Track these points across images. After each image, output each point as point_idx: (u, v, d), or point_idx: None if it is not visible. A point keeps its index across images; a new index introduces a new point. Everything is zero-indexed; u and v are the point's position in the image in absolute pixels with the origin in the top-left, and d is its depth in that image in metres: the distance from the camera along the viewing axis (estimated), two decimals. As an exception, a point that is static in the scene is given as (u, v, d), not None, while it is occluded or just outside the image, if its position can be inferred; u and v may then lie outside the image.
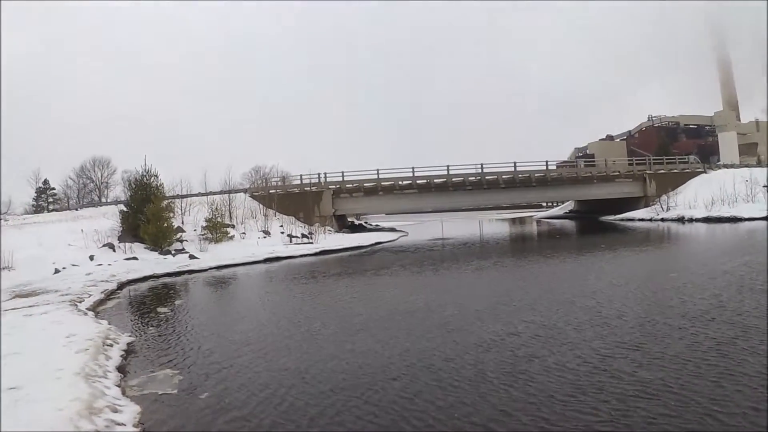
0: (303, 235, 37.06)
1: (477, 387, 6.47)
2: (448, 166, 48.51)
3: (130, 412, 6.10)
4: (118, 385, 7.12)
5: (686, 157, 60.46)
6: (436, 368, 7.29)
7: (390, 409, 5.97)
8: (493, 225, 61.45)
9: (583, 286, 13.51)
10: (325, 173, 47.05)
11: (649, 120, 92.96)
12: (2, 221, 36.44)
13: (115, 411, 6.00)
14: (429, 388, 6.52)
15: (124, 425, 5.70)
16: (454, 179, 49.08)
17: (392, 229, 52.73)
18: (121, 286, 18.63)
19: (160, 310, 13.75)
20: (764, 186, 41.97)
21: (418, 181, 48.41)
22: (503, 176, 49.84)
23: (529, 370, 6.93)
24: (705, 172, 52.84)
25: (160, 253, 27.46)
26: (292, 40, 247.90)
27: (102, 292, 16.22)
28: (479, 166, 49.38)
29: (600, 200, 53.89)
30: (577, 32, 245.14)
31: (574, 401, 5.83)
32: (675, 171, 53.51)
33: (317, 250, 30.46)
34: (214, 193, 43.31)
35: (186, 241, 30.85)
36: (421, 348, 8.35)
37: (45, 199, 69.44)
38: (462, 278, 17.57)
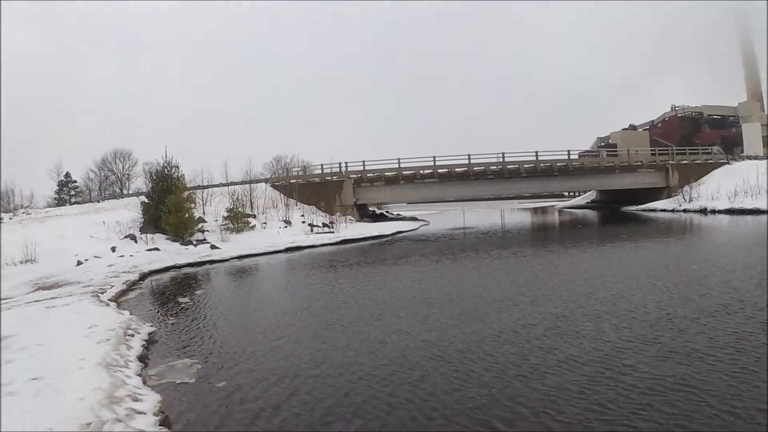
0: (324, 225, 36.93)
1: (491, 378, 6.39)
2: (469, 155, 48.18)
3: (151, 400, 6.09)
4: (139, 375, 7.13)
5: (709, 147, 59.55)
6: (451, 359, 7.20)
7: (404, 400, 5.92)
8: (514, 214, 60.93)
9: (604, 277, 13.27)
10: (346, 162, 46.98)
11: (672, 110, 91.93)
12: (23, 215, 36.59)
13: (136, 400, 5.99)
14: (445, 380, 6.44)
15: (145, 414, 5.67)
16: (475, 168, 48.59)
17: (413, 219, 52.37)
18: (143, 276, 18.56)
19: (182, 300, 13.67)
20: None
21: (439, 170, 48.00)
22: (525, 165, 49.28)
23: (544, 363, 6.80)
24: (728, 163, 51.84)
25: (181, 244, 27.42)
26: (313, 31, 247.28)
27: (124, 283, 16.17)
28: (500, 155, 48.93)
29: (622, 190, 53.07)
30: (599, 23, 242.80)
31: (585, 396, 5.71)
32: (698, 162, 52.52)
33: (338, 240, 30.33)
34: (235, 184, 43.31)
35: (207, 231, 30.80)
36: (437, 338, 8.24)
37: (67, 192, 69.87)
38: (482, 268, 17.34)
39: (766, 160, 48.66)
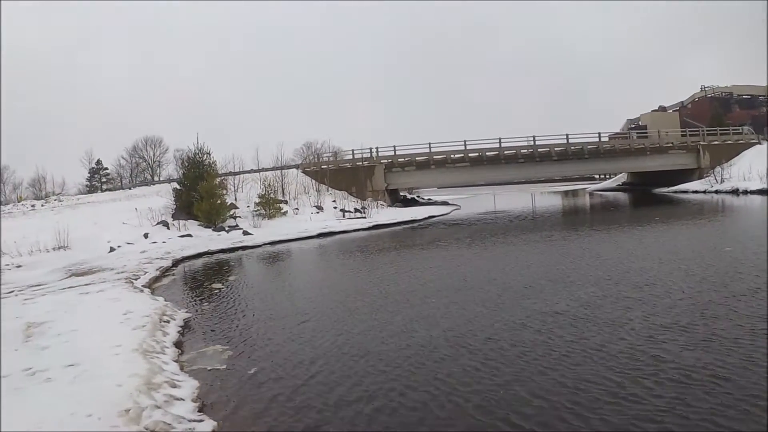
0: (356, 210, 36.67)
1: (516, 369, 6.13)
2: (500, 138, 47.42)
3: (189, 387, 6.06)
4: (176, 361, 7.10)
5: (740, 127, 58.30)
6: (477, 348, 6.93)
7: (423, 388, 5.81)
8: (545, 198, 60.33)
9: (639, 260, 12.80)
10: (377, 148, 46.51)
11: (701, 90, 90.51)
12: (55, 201, 36.89)
13: (174, 386, 5.97)
14: (470, 370, 6.19)
15: (183, 400, 5.63)
16: (506, 152, 47.84)
17: (445, 203, 51.92)
18: (176, 263, 18.48)
19: (215, 286, 13.47)
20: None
21: (470, 155, 47.40)
22: (555, 149, 48.58)
23: (571, 353, 6.47)
24: (759, 143, 50.72)
25: (213, 230, 27.37)
26: (338, 15, 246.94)
27: (157, 270, 16.08)
28: (531, 138, 48.35)
29: (653, 172, 52.19)
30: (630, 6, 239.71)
31: (612, 388, 5.41)
32: (729, 142, 51.48)
33: (370, 225, 30.10)
34: (267, 170, 43.22)
35: (239, 217, 30.72)
36: (464, 326, 7.98)
37: (98, 179, 70.61)
38: (513, 252, 16.86)
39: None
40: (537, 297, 9.43)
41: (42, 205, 40.96)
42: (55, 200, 45.43)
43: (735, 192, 39.91)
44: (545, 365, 6.11)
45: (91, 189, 66.91)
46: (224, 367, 6.94)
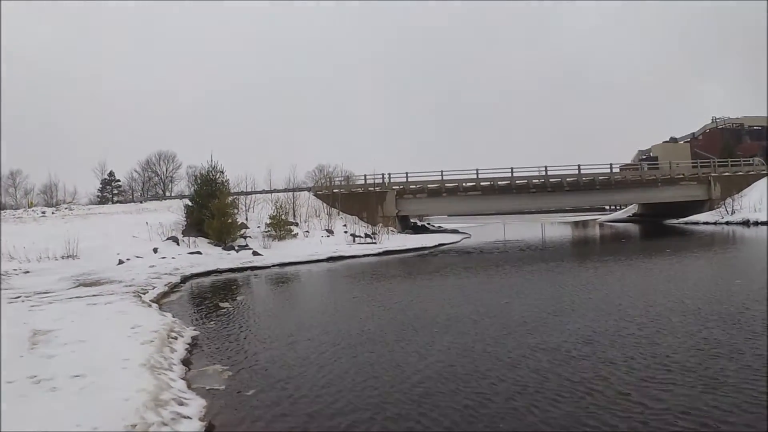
0: (366, 235, 36.54)
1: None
2: (512, 168, 47.52)
3: (196, 405, 5.98)
4: (184, 378, 7.03)
5: (751, 159, 58.56)
6: (477, 387, 6.56)
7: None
8: (556, 228, 60.10)
9: (647, 295, 12.40)
10: (389, 173, 46.74)
11: (713, 122, 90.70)
12: (66, 210, 36.99)
13: (181, 404, 5.90)
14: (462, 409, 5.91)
15: (190, 419, 5.55)
16: (517, 182, 47.99)
17: (455, 231, 51.81)
18: (185, 279, 18.46)
19: (223, 305, 13.34)
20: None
21: (481, 183, 47.61)
22: (567, 179, 48.73)
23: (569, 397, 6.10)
24: (770, 174, 51.00)
25: (223, 249, 27.35)
26: (344, 40, 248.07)
27: (166, 285, 16.07)
28: (543, 168, 48.51)
29: (664, 203, 52.50)
30: (636, 30, 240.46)
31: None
32: (740, 173, 51.83)
33: (380, 251, 29.89)
34: (279, 191, 43.46)
35: (249, 237, 30.70)
36: (462, 362, 7.62)
37: (110, 191, 70.87)
38: (521, 283, 16.53)
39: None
40: (537, 332, 9.10)
41: (53, 213, 41.02)
42: (66, 208, 45.47)
43: (746, 223, 40.24)
44: (533, 405, 5.88)
45: (102, 200, 67.15)
46: (231, 387, 6.84)
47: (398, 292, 15.56)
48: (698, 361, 7.01)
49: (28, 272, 18.33)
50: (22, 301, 12.28)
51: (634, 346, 7.91)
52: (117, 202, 62.67)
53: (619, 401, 5.76)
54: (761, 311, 9.71)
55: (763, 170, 52.49)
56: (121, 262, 21.42)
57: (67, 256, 21.17)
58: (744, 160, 56.13)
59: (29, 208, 48.59)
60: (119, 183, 72.95)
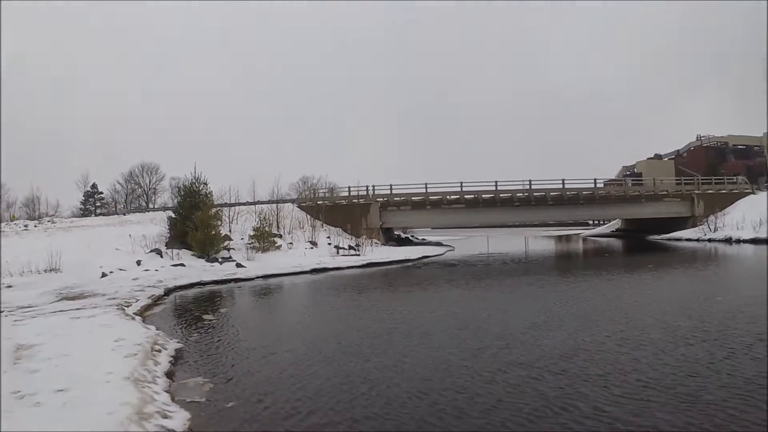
0: (350, 247, 36.65)
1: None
2: (496, 181, 48.05)
3: (181, 418, 5.98)
4: (167, 391, 6.99)
5: (734, 177, 59.35)
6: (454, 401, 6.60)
7: None
8: (538, 241, 60.52)
9: (626, 310, 12.52)
10: (373, 186, 46.89)
11: (697, 140, 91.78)
12: (48, 223, 36.84)
13: (165, 417, 5.90)
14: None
15: (175, 431, 5.60)
16: (501, 195, 48.40)
17: (438, 243, 52.08)
18: (168, 292, 18.37)
19: (206, 317, 13.42)
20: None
21: (466, 196, 47.84)
22: (551, 193, 49.29)
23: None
24: (753, 193, 52.07)
25: (207, 261, 27.29)
26: (337, 49, 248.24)
27: (149, 298, 15.98)
28: (527, 182, 48.87)
29: (647, 219, 53.29)
30: (620, 44, 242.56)
31: None
32: (723, 191, 52.73)
33: (364, 263, 29.99)
34: (262, 203, 43.42)
35: (233, 249, 30.70)
36: (441, 377, 7.60)
37: (92, 203, 70.61)
38: (503, 296, 16.83)
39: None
40: (515, 346, 9.12)
41: (35, 226, 40.75)
42: (48, 221, 45.23)
43: (728, 241, 40.64)
44: (509, 419, 5.89)
45: (85, 212, 66.90)
46: (216, 399, 6.88)
47: (379, 304, 15.59)
48: (676, 379, 7.00)
49: (10, 286, 18.20)
50: (5, 316, 12.21)
51: (611, 363, 7.93)
52: (100, 214, 62.41)
53: (595, 417, 5.80)
54: (741, 328, 9.82)
55: (747, 189, 53.37)
56: (104, 275, 21.33)
57: (50, 270, 21.05)
58: (728, 178, 57.15)
59: (11, 221, 48.26)
60: (102, 195, 72.72)
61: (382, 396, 6.83)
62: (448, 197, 47.88)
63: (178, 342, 10.11)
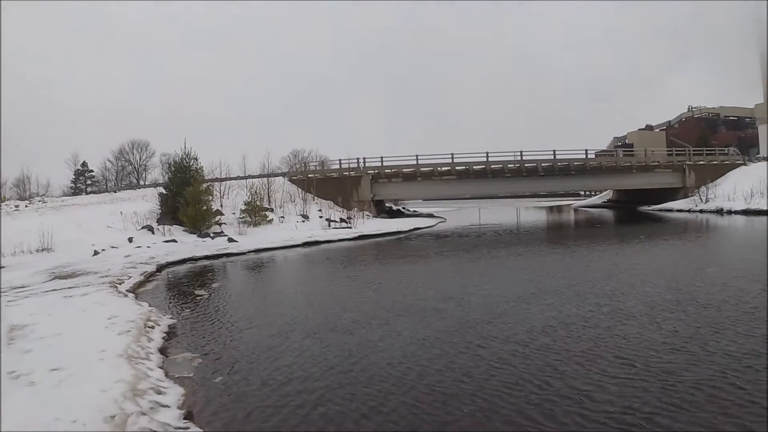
0: (341, 220, 36.77)
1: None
2: (487, 153, 47.95)
3: (175, 394, 6.03)
4: (161, 367, 7.09)
5: (726, 148, 59.43)
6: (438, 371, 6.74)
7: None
8: (530, 213, 60.71)
9: (618, 280, 12.66)
10: (364, 158, 46.74)
11: (689, 111, 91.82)
12: (39, 203, 36.72)
13: (159, 393, 5.95)
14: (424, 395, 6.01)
15: (169, 407, 5.62)
16: (493, 166, 48.29)
17: (430, 215, 52.17)
18: (160, 268, 18.44)
19: (199, 293, 13.51)
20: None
21: (457, 168, 47.72)
22: (542, 164, 49.19)
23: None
24: (744, 164, 52.27)
25: (198, 236, 27.34)
26: (326, 23, 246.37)
27: (141, 274, 16.05)
28: (518, 153, 48.77)
29: (638, 190, 53.29)
30: (613, 17, 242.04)
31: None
32: (714, 162, 52.78)
33: (356, 235, 30.13)
34: (253, 177, 43.36)
35: (225, 224, 30.76)
36: (431, 351, 7.63)
37: (83, 182, 70.37)
38: (494, 267, 17.05)
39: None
40: (500, 320, 9.15)
41: (26, 206, 40.63)
42: (39, 201, 45.13)
43: (719, 212, 40.64)
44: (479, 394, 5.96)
45: (76, 191, 66.65)
46: (210, 374, 6.95)
47: (368, 277, 15.78)
48: (660, 356, 6.89)
49: (3, 267, 18.23)
50: (-2, 296, 12.26)
51: (594, 338, 7.89)
52: (91, 192, 62.23)
53: (570, 396, 5.75)
54: (730, 301, 9.77)
55: (738, 160, 53.45)
56: (96, 253, 21.35)
57: (42, 249, 21.08)
58: (719, 150, 57.19)
59: (2, 202, 48.15)
60: (92, 173, 72.40)
61: (356, 367, 7.02)
62: (439, 169, 47.78)
63: (171, 318, 10.20)
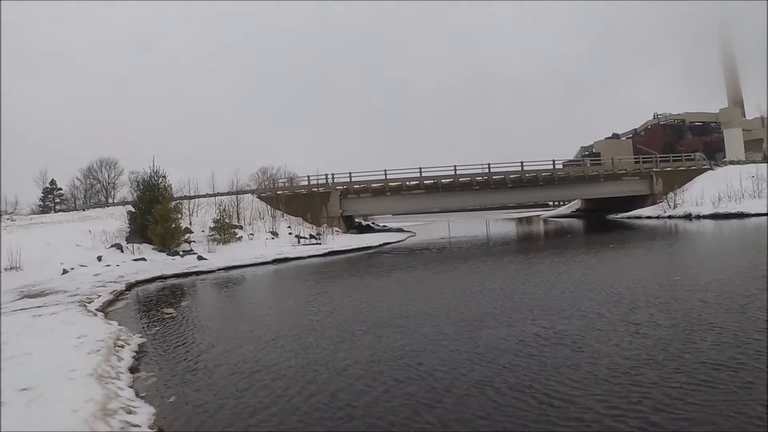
0: (311, 236, 36.92)
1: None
2: (455, 166, 48.51)
3: (145, 413, 6.03)
4: (131, 387, 7.07)
5: (692, 154, 60.64)
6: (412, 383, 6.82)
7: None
8: (500, 224, 61.12)
9: (590, 291, 12.56)
10: (332, 174, 47.18)
11: (654, 118, 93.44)
12: (7, 221, 36.42)
13: (130, 412, 5.94)
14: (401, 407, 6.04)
15: (139, 426, 5.63)
16: (461, 179, 48.97)
17: (400, 230, 52.68)
18: (130, 287, 18.55)
19: (167, 311, 13.58)
20: (769, 181, 41.98)
21: (425, 182, 48.34)
22: (510, 176, 49.84)
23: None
24: (711, 169, 53.06)
25: (168, 254, 27.41)
26: (286, 41, 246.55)
27: (111, 293, 16.14)
28: (486, 166, 49.45)
29: (607, 198, 54.06)
30: (579, 24, 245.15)
31: None
32: (681, 168, 53.52)
33: (326, 251, 30.31)
34: (222, 194, 43.34)
35: (194, 242, 30.83)
36: (401, 362, 7.75)
37: (52, 200, 69.67)
38: (463, 280, 16.86)
39: (757, 164, 49.71)
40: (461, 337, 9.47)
41: (-7, 225, 40.34)
42: (7, 219, 44.77)
43: (688, 217, 41.65)
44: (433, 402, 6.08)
45: (44, 209, 65.88)
46: (181, 393, 6.97)
47: (334, 294, 15.68)
48: (629, 365, 6.79)
49: (-30, 286, 18.21)
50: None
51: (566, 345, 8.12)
52: (60, 210, 61.58)
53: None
54: (695, 309, 9.62)
55: (705, 165, 54.37)
56: (65, 271, 21.40)
57: (10, 268, 21.02)
58: (686, 155, 58.28)
59: (-30, 221, 47.63)
60: (61, 191, 71.74)
61: (316, 381, 7.15)
62: (407, 183, 48.29)
63: (140, 337, 10.27)
